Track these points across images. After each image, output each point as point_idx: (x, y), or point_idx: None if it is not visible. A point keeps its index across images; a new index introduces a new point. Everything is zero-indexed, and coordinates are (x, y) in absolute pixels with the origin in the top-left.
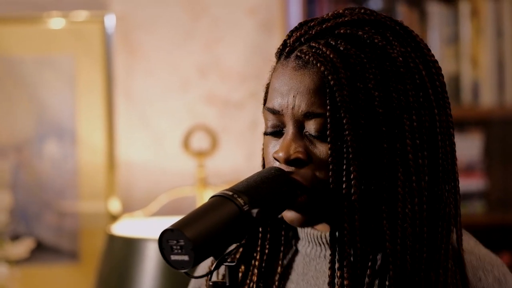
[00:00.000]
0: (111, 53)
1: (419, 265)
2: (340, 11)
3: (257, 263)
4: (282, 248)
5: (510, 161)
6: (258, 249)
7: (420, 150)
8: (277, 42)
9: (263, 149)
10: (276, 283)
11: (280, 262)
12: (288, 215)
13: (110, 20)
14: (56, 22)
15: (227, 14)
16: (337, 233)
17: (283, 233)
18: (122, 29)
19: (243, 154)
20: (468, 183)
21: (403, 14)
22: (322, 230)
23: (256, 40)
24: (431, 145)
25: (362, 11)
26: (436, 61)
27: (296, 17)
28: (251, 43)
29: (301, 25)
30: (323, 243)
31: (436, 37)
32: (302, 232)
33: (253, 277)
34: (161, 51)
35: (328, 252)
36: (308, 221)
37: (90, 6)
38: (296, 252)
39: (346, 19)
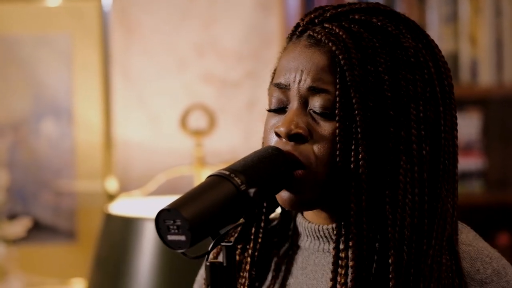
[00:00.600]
0: (108, 31)
1: (416, 256)
2: (356, 2)
3: (250, 250)
4: (282, 244)
5: (509, 140)
6: (252, 238)
7: (424, 141)
8: (274, 22)
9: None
10: (280, 281)
11: (281, 259)
12: (282, 194)
13: None
14: (52, 0)
15: None
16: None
17: (277, 226)
18: (119, 8)
19: (240, 134)
20: (466, 163)
21: None
22: (319, 223)
23: (254, 19)
24: (434, 142)
25: (378, 4)
26: (446, 63)
27: None
28: (248, 22)
29: (315, 9)
30: (321, 236)
31: (434, 16)
32: (300, 226)
33: (246, 266)
34: (158, 30)
35: (327, 245)
36: (301, 202)
37: None
38: (295, 246)
39: (361, 6)
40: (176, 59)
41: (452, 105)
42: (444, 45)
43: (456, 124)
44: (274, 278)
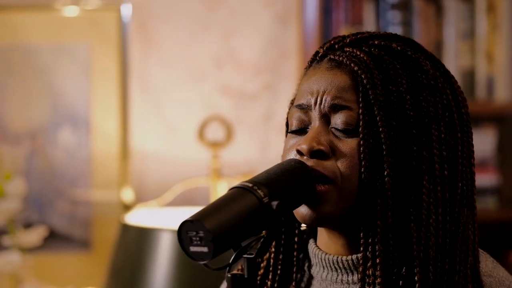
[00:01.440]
0: (126, 42)
1: (441, 277)
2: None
3: (269, 283)
4: (294, 269)
5: None
6: (271, 269)
7: (446, 162)
8: (293, 35)
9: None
10: None
11: (294, 284)
12: (302, 210)
13: (126, 9)
14: (71, 10)
15: (243, 6)
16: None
17: (295, 254)
18: (138, 18)
19: (257, 146)
20: (481, 179)
21: (420, 9)
22: (337, 254)
23: (272, 32)
24: (453, 166)
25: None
26: (462, 92)
27: (312, 10)
28: (267, 35)
29: (334, 37)
30: (339, 268)
31: (452, 32)
32: (316, 258)
33: (268, 278)
34: (177, 41)
35: (345, 276)
36: (321, 218)
37: None
38: (311, 277)
39: (380, 33)
40: (194, 70)
41: (470, 133)
42: (461, 62)
43: (473, 152)
44: None
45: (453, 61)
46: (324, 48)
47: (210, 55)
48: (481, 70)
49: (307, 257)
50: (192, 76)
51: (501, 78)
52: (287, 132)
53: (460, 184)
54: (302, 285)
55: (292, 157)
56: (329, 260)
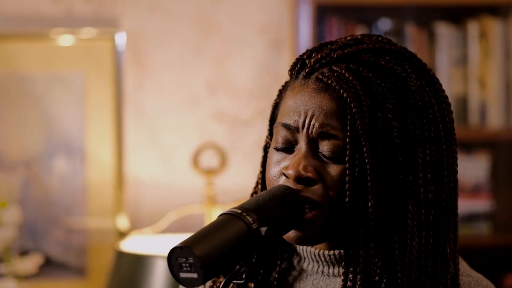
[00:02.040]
0: (121, 70)
1: None
2: (359, 37)
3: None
4: (278, 264)
5: None
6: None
7: (430, 184)
8: (286, 61)
9: (263, 161)
10: None
11: (280, 282)
12: (290, 233)
13: (120, 38)
14: (66, 39)
15: (237, 32)
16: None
17: (279, 251)
18: (132, 46)
19: (251, 172)
20: (474, 205)
21: (412, 35)
22: (320, 248)
23: (266, 58)
24: (437, 180)
25: (380, 39)
26: (447, 97)
27: (305, 36)
28: (260, 61)
29: (321, 46)
30: (321, 260)
31: (444, 58)
32: (298, 248)
33: None
34: (171, 68)
35: (327, 268)
36: (309, 240)
37: (101, 23)
38: (291, 267)
39: (368, 46)
40: (188, 97)
41: (453, 139)
42: (453, 88)
43: (456, 159)
44: None
45: (446, 87)
46: (312, 63)
47: (204, 82)
48: (474, 96)
49: (292, 248)
50: (186, 102)
51: (493, 104)
52: (270, 128)
53: (444, 196)
54: (283, 274)
55: (280, 178)
56: (311, 252)
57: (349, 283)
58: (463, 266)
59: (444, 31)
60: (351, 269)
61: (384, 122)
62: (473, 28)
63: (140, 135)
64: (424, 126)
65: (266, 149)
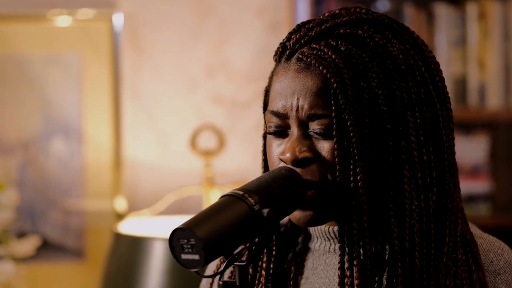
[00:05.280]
0: (118, 51)
1: (427, 260)
2: (337, 11)
3: (264, 264)
4: (293, 248)
5: None
6: (265, 250)
7: (424, 146)
8: None
9: (263, 149)
10: (292, 282)
11: (293, 262)
12: (295, 214)
13: (118, 19)
14: (63, 20)
15: (235, 15)
16: (345, 228)
17: (287, 230)
18: (130, 28)
19: (249, 154)
20: (473, 186)
21: (411, 16)
22: (330, 225)
23: (264, 40)
24: (436, 140)
25: (358, 10)
26: (434, 57)
27: (304, 18)
28: (258, 43)
29: (299, 26)
30: (331, 237)
31: (443, 39)
32: (310, 228)
33: (261, 279)
34: (168, 50)
35: (337, 245)
36: (314, 219)
37: (98, 4)
38: (305, 248)
39: (344, 19)
40: (186, 79)
41: (446, 97)
42: (453, 69)
43: (452, 117)
44: (286, 281)
45: (445, 69)
46: (291, 44)
47: (202, 64)
48: (473, 77)
49: (304, 230)
50: (184, 85)
51: (492, 85)
52: (264, 108)
53: (446, 156)
54: (297, 256)
55: (278, 165)
56: (321, 231)
57: (346, 257)
58: (474, 229)
59: (443, 11)
60: (347, 243)
61: (369, 91)
62: (472, 8)
63: (138, 116)
64: (412, 89)
65: (265, 137)
